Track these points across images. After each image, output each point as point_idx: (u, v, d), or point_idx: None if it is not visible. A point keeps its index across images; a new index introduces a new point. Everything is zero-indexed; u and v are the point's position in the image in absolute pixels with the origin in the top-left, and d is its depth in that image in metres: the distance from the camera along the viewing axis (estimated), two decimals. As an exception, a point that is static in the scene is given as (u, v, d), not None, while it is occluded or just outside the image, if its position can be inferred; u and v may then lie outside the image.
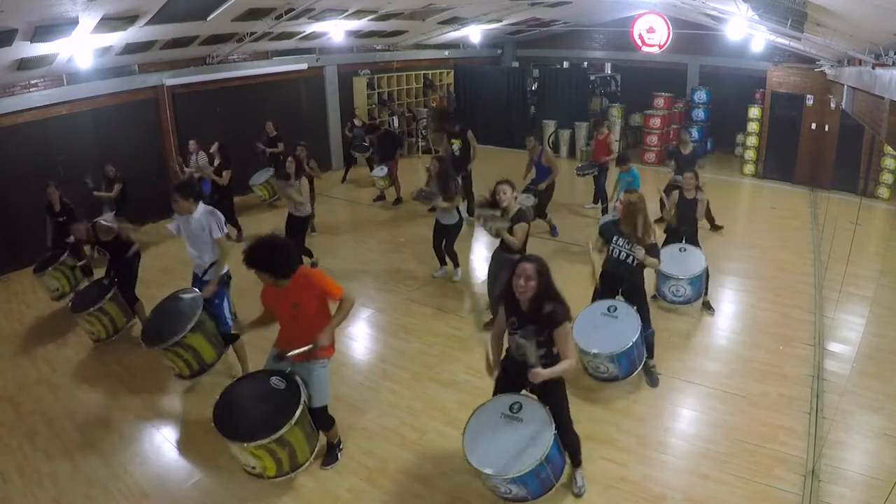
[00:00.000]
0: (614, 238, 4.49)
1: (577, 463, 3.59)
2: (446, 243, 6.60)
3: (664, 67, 13.20)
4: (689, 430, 4.27)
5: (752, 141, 11.62)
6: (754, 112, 11.54)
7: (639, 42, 9.12)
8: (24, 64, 6.43)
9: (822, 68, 9.38)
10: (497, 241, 5.27)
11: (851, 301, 6.06)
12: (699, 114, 12.81)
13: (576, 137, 13.22)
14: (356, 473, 3.86)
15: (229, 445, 3.47)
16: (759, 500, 3.56)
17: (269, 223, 8.55)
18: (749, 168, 11.65)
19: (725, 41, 11.16)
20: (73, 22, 5.61)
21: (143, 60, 8.47)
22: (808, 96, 10.64)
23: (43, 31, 5.47)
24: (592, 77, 13.66)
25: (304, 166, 7.14)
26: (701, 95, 12.75)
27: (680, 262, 5.56)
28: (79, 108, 8.07)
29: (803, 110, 10.75)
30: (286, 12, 7.72)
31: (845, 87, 5.98)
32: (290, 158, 7.04)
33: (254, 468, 3.54)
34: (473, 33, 12.59)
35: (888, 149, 9.44)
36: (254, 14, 7.62)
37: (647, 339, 4.59)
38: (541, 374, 3.07)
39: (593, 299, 4.71)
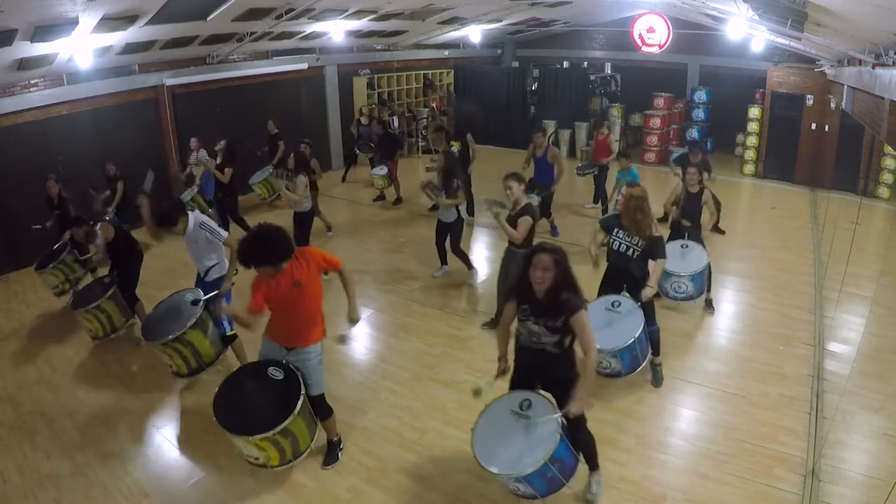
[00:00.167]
0: (614, 230, 4.50)
1: (593, 466, 3.52)
2: (451, 243, 6.54)
3: (664, 67, 13.20)
4: (689, 430, 4.27)
5: (752, 141, 11.62)
6: (754, 112, 11.55)
7: (639, 42, 9.12)
8: (24, 64, 6.43)
9: (822, 68, 9.38)
10: (506, 239, 5.28)
11: (851, 301, 6.06)
12: (699, 114, 12.81)
13: (576, 137, 13.23)
14: (356, 473, 3.86)
15: (232, 438, 3.50)
16: (759, 500, 3.56)
17: (272, 221, 8.54)
18: (749, 168, 11.65)
19: (725, 41, 11.17)
20: (73, 22, 5.61)
21: (143, 60, 8.47)
22: (808, 96, 10.64)
23: (43, 31, 5.47)
24: (592, 77, 13.66)
25: (308, 163, 7.11)
26: (701, 95, 12.75)
27: (682, 258, 5.55)
28: (79, 108, 8.07)
29: (803, 110, 10.76)
30: (286, 12, 7.72)
31: (845, 87, 5.98)
32: (292, 154, 7.06)
33: (257, 459, 3.59)
34: (473, 33, 12.59)
35: (888, 149, 9.45)
36: (254, 14, 7.62)
37: (653, 336, 4.58)
38: (578, 406, 3.04)
39: (599, 295, 4.70)
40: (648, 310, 4.50)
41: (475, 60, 15.37)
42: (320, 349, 3.68)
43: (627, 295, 4.56)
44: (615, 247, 4.51)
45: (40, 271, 6.24)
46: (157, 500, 3.69)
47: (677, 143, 12.88)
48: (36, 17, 5.21)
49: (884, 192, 10.00)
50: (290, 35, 9.62)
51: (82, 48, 6.62)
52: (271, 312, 3.58)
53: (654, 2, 9.15)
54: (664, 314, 5.76)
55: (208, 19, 7.20)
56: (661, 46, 8.97)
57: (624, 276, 4.58)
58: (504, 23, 12.39)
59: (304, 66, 11.06)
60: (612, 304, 4.46)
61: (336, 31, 9.64)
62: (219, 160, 7.88)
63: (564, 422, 3.12)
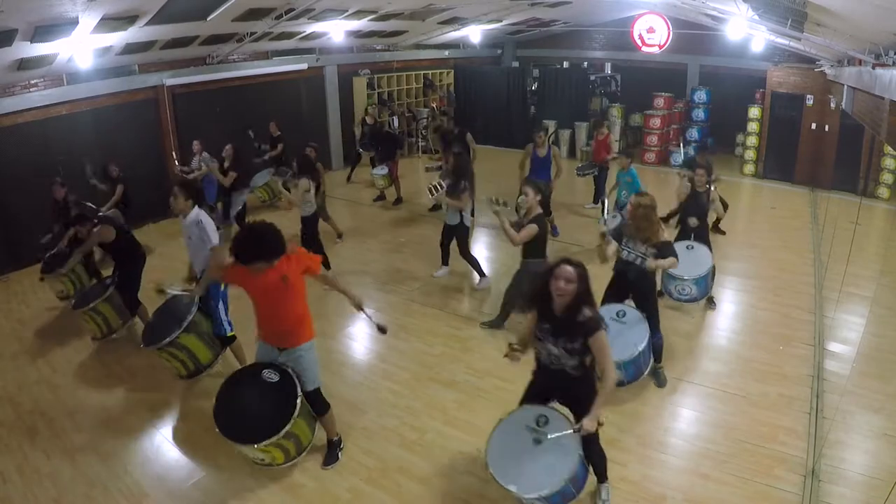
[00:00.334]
0: (624, 240, 4.46)
1: (602, 479, 3.50)
2: (460, 248, 6.48)
3: (664, 67, 13.20)
4: (689, 430, 4.27)
5: (752, 141, 11.62)
6: (754, 112, 11.54)
7: (639, 42, 9.11)
8: (24, 64, 6.43)
9: (822, 68, 9.38)
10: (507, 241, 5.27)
11: (851, 301, 6.06)
12: (699, 114, 12.80)
13: (576, 137, 13.23)
14: (356, 473, 3.86)
15: (237, 447, 3.52)
16: (759, 500, 3.56)
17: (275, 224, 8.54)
18: (749, 168, 11.65)
19: (725, 41, 11.16)
20: (73, 22, 5.60)
21: (143, 60, 8.47)
22: (808, 96, 10.64)
23: (43, 31, 5.47)
24: (592, 77, 13.66)
25: (312, 168, 6.95)
26: (701, 95, 12.74)
27: (686, 260, 5.46)
28: (79, 108, 8.07)
29: (803, 110, 10.75)
30: (286, 12, 7.72)
31: (845, 87, 5.98)
32: (297, 159, 6.89)
33: (262, 460, 3.68)
34: (473, 33, 12.59)
35: (888, 149, 9.44)
36: (254, 14, 7.62)
37: (656, 344, 4.56)
38: (591, 424, 2.98)
39: (603, 302, 4.66)
40: (653, 319, 4.47)
41: (475, 60, 15.37)
42: (311, 346, 3.71)
43: (633, 304, 4.52)
44: (623, 255, 4.46)
45: (48, 276, 6.22)
46: (157, 500, 3.69)
47: (677, 143, 12.87)
48: (36, 17, 5.21)
49: (884, 192, 10.00)
50: (290, 35, 9.62)
51: (82, 48, 6.62)
52: (260, 312, 3.62)
53: (654, 2, 9.15)
54: (665, 314, 5.73)
55: (208, 19, 7.20)
56: (661, 46, 8.96)
57: (629, 286, 4.54)
58: (504, 23, 12.39)
59: (304, 66, 11.06)
60: (618, 314, 4.42)
61: (336, 31, 9.64)
62: (226, 165, 7.86)
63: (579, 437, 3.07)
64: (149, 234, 8.00)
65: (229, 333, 4.71)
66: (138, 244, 5.66)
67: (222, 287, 4.63)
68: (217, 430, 3.52)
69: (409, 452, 4.04)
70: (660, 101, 12.53)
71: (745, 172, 11.64)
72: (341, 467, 3.91)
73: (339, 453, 3.98)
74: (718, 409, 4.46)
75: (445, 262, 6.82)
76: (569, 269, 3.01)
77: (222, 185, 7.91)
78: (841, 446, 4.04)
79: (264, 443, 3.46)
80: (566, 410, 3.25)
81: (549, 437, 3.03)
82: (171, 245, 7.84)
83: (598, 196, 8.94)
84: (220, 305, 4.66)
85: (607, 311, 4.44)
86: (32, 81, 7.44)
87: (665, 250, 4.35)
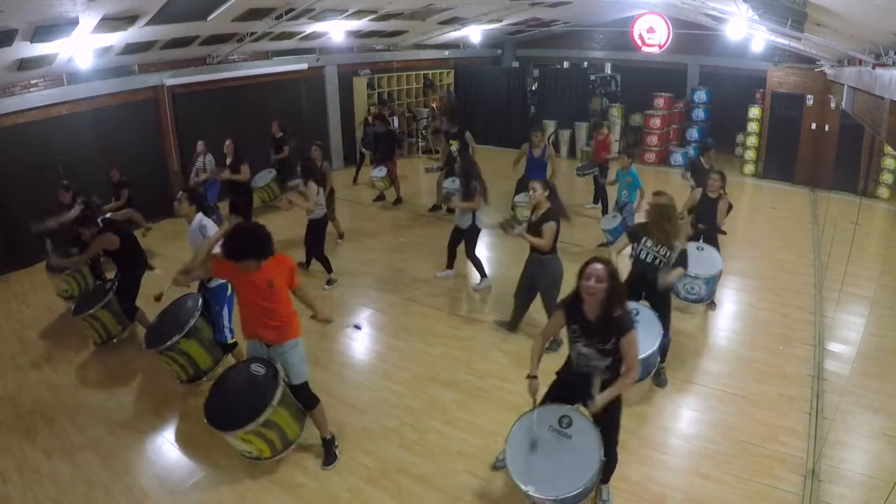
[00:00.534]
0: (643, 240, 4.36)
1: (606, 480, 3.48)
2: (465, 248, 6.44)
3: (664, 67, 13.20)
4: (690, 430, 4.27)
5: (752, 141, 11.62)
6: (754, 112, 11.55)
7: (639, 42, 9.12)
8: (24, 64, 6.43)
9: (822, 68, 9.38)
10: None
11: (851, 301, 6.06)
12: (699, 114, 12.81)
13: (576, 137, 13.23)
14: (356, 473, 3.86)
15: (222, 436, 3.57)
16: (760, 500, 3.56)
17: (274, 224, 8.53)
18: (749, 168, 11.65)
19: (725, 41, 11.16)
20: (73, 22, 5.61)
21: (143, 60, 8.47)
22: (808, 96, 10.64)
23: (43, 31, 5.47)
24: (592, 77, 13.67)
25: (317, 170, 6.78)
26: (701, 95, 12.75)
27: (698, 260, 5.41)
28: (79, 108, 8.06)
29: (803, 110, 10.76)
30: (286, 12, 7.72)
31: (845, 87, 5.98)
32: (300, 163, 6.68)
33: (250, 452, 3.70)
34: (473, 33, 12.59)
35: (888, 149, 9.45)
36: (254, 14, 7.62)
37: (662, 344, 4.53)
38: (599, 404, 2.96)
39: None
40: (665, 319, 4.43)
41: (475, 60, 15.37)
42: (296, 343, 3.75)
43: (647, 304, 4.46)
44: (642, 256, 4.37)
45: (52, 275, 6.22)
46: (157, 500, 3.69)
47: (677, 143, 12.89)
48: (36, 17, 5.21)
49: (884, 192, 10.01)
50: (290, 35, 9.62)
51: (82, 48, 6.62)
52: (247, 312, 3.70)
53: (654, 2, 9.15)
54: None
55: (208, 19, 7.20)
56: (661, 46, 8.97)
57: (645, 286, 4.47)
58: (504, 23, 12.39)
59: (304, 66, 11.06)
60: (633, 313, 4.39)
61: (336, 31, 9.64)
62: (229, 161, 7.84)
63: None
64: (149, 234, 7.98)
65: (230, 341, 4.71)
66: (140, 249, 5.62)
67: (228, 292, 4.63)
68: (205, 419, 3.60)
69: (409, 452, 4.04)
70: (660, 101, 12.53)
71: (745, 172, 11.64)
72: (341, 467, 3.91)
73: (337, 451, 3.98)
74: (718, 409, 4.46)
75: (451, 265, 6.76)
76: (599, 267, 2.96)
77: (226, 185, 7.90)
78: (841, 446, 4.04)
79: (242, 430, 3.51)
80: (587, 413, 3.19)
81: (575, 439, 2.99)
82: (172, 246, 7.85)
83: (598, 196, 8.94)
84: (224, 311, 4.65)
85: None
86: (32, 81, 7.43)
87: (680, 259, 4.29)
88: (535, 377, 3.27)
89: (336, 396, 4.67)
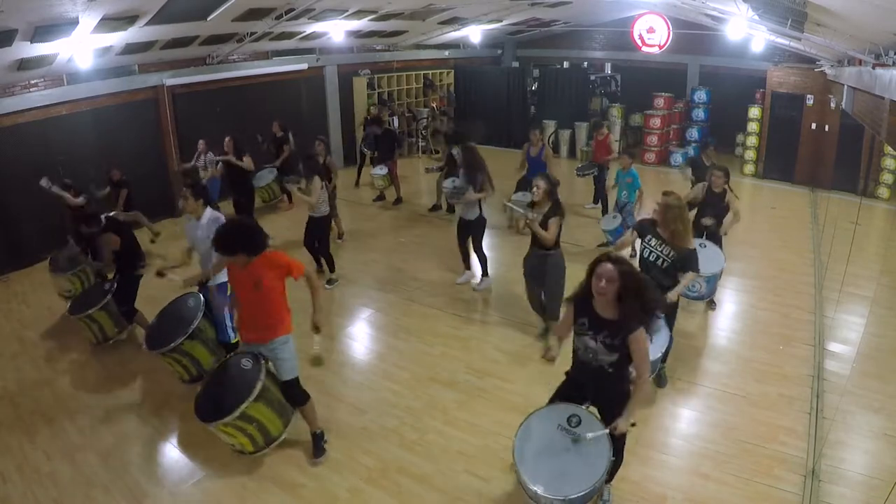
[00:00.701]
0: (647, 238, 4.31)
1: (608, 480, 3.46)
2: (473, 243, 6.38)
3: (664, 67, 13.20)
4: (690, 430, 4.27)
5: (752, 141, 11.62)
6: (754, 112, 11.54)
7: (639, 42, 9.11)
8: (24, 64, 6.43)
9: (822, 68, 9.38)
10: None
11: (851, 301, 6.06)
12: (699, 114, 12.81)
13: (576, 137, 13.23)
14: (356, 473, 3.86)
15: (205, 427, 3.63)
16: (760, 500, 3.56)
17: (274, 225, 8.55)
18: (749, 168, 11.65)
19: (725, 41, 11.16)
20: (73, 22, 5.61)
21: (143, 60, 8.47)
22: (808, 96, 10.64)
23: (43, 31, 5.47)
24: (592, 77, 13.67)
25: (319, 167, 6.72)
26: (701, 95, 12.75)
27: (700, 258, 5.45)
28: (79, 108, 8.06)
29: (803, 110, 10.76)
30: (286, 12, 7.72)
31: (845, 87, 5.98)
32: (302, 161, 6.62)
33: (233, 445, 3.77)
34: (473, 33, 12.59)
35: (888, 149, 9.45)
36: (254, 14, 7.62)
37: (667, 347, 4.55)
38: (625, 426, 2.95)
39: None
40: (670, 318, 4.41)
41: (475, 60, 15.37)
42: (286, 339, 3.76)
43: None
44: (645, 254, 4.33)
45: (57, 275, 6.21)
46: (157, 500, 3.69)
47: (677, 143, 12.89)
48: (36, 17, 5.21)
49: (884, 192, 10.00)
50: (290, 35, 9.62)
51: (82, 48, 6.62)
52: (241, 311, 3.78)
53: (654, 2, 9.15)
54: (665, 314, 5.77)
55: (208, 19, 7.20)
56: (661, 46, 8.96)
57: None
58: (504, 23, 12.39)
59: (304, 66, 11.06)
60: None
61: (336, 31, 9.64)
62: (232, 157, 7.84)
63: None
64: (148, 234, 7.99)
65: (233, 340, 4.70)
66: (140, 250, 5.61)
67: (229, 291, 4.62)
68: (194, 411, 3.67)
69: (409, 452, 4.04)
70: (660, 101, 12.53)
71: (745, 172, 11.64)
72: (341, 467, 3.91)
73: (325, 445, 4.00)
74: (718, 409, 4.46)
75: (468, 265, 6.65)
76: (609, 267, 2.92)
77: (228, 184, 7.89)
78: (841, 446, 4.04)
79: (221, 422, 3.55)
80: (596, 413, 3.19)
81: (587, 436, 2.96)
82: (173, 246, 7.84)
83: (598, 196, 8.94)
84: (227, 312, 4.63)
85: None
86: (32, 81, 7.43)
87: (688, 259, 4.21)
88: (556, 347, 3.40)
89: (336, 396, 4.67)
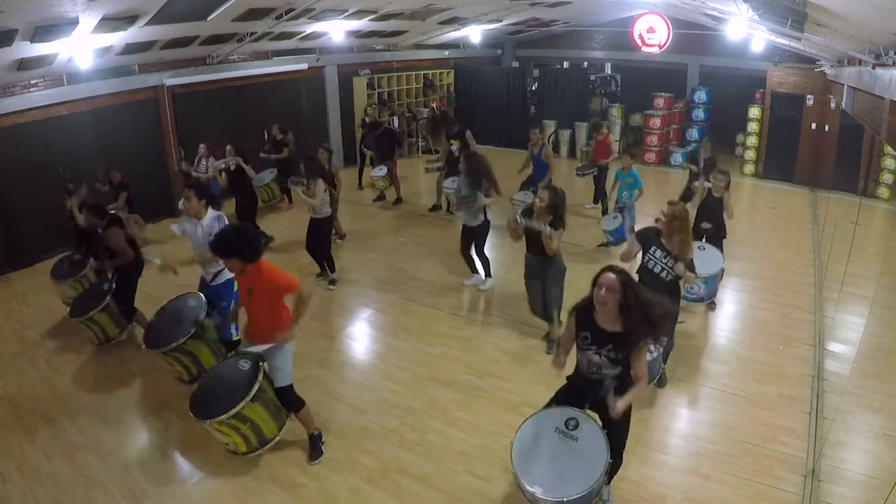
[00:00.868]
0: (652, 249, 4.24)
1: (608, 480, 3.45)
2: (476, 247, 6.37)
3: (664, 67, 13.20)
4: (689, 430, 4.27)
5: (752, 141, 11.62)
6: (754, 112, 11.54)
7: (639, 42, 9.11)
8: (24, 64, 6.43)
9: (822, 68, 9.38)
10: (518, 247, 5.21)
11: (851, 301, 6.06)
12: (699, 114, 12.81)
13: (576, 137, 13.23)
14: (356, 473, 3.86)
15: (201, 424, 3.66)
16: (760, 500, 3.56)
17: (274, 224, 8.55)
18: (749, 168, 11.65)
19: (725, 41, 11.16)
20: (73, 22, 5.61)
21: (143, 60, 8.47)
22: (808, 96, 10.64)
23: (43, 31, 5.47)
24: (592, 77, 13.67)
25: (322, 170, 6.61)
26: (701, 95, 12.75)
27: (698, 259, 5.43)
28: (79, 108, 8.06)
29: (803, 110, 10.76)
30: (286, 12, 7.72)
31: (845, 87, 5.97)
32: (303, 162, 6.54)
33: (227, 444, 3.79)
34: (473, 33, 12.59)
35: (888, 149, 9.45)
36: (254, 14, 7.62)
37: (666, 349, 4.54)
38: (623, 406, 2.93)
39: None
40: (672, 326, 4.40)
41: (475, 60, 15.36)
42: (282, 346, 3.75)
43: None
44: (650, 266, 4.25)
45: (59, 282, 6.20)
46: (157, 500, 3.69)
47: (677, 143, 12.89)
48: (36, 17, 5.21)
49: (884, 192, 10.00)
50: (290, 35, 9.62)
51: (82, 48, 6.62)
52: (246, 311, 3.85)
53: (654, 2, 9.15)
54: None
55: (208, 19, 7.20)
56: (661, 46, 8.96)
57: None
58: (504, 23, 12.39)
59: (304, 66, 11.06)
60: None
61: (336, 31, 9.64)
62: (233, 166, 7.84)
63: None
64: (149, 234, 7.98)
65: (235, 338, 4.69)
66: (138, 250, 5.62)
67: (235, 287, 4.63)
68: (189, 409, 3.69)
69: (409, 452, 4.04)
70: (660, 101, 12.53)
71: (745, 172, 11.64)
72: (341, 467, 3.91)
73: (322, 447, 4.00)
74: (718, 409, 4.46)
75: (474, 268, 6.60)
76: (611, 277, 2.89)
77: (229, 186, 7.90)
78: (841, 446, 4.04)
79: (214, 420, 3.57)
80: (595, 416, 3.19)
81: (582, 441, 2.96)
82: (173, 246, 7.83)
83: (598, 196, 8.94)
84: (231, 307, 4.63)
85: None
86: (32, 81, 7.43)
87: (689, 268, 4.23)
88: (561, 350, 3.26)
89: (336, 396, 4.67)
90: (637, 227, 5.63)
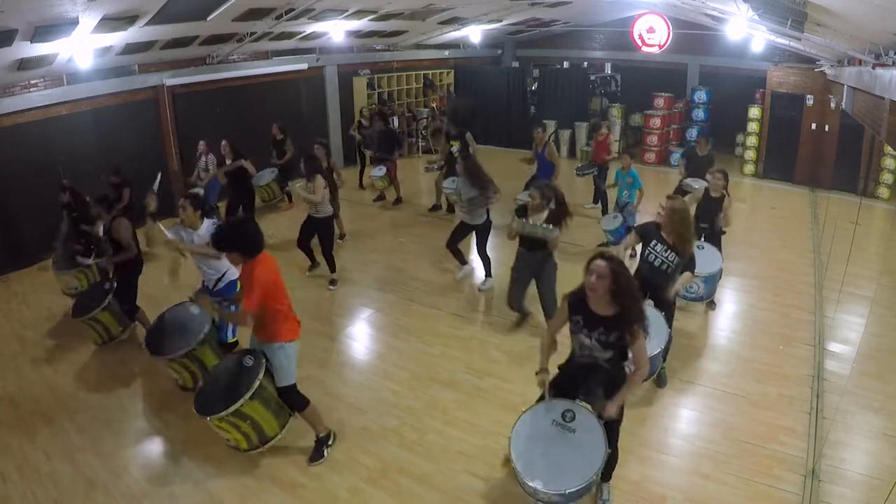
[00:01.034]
0: (652, 242, 4.27)
1: (607, 478, 3.48)
2: (478, 246, 6.40)
3: (664, 67, 13.20)
4: (689, 430, 4.27)
5: (752, 141, 11.62)
6: (754, 112, 11.54)
7: (639, 42, 9.11)
8: (24, 64, 6.43)
9: (822, 68, 9.38)
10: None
11: (851, 301, 6.06)
12: (699, 114, 12.81)
13: (576, 137, 13.23)
14: (356, 473, 3.86)
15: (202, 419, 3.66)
16: (760, 500, 3.56)
17: (274, 224, 8.55)
18: (749, 168, 11.65)
19: (725, 41, 11.16)
20: (73, 22, 5.61)
21: (143, 60, 8.47)
22: (808, 96, 10.64)
23: (43, 31, 5.47)
24: (592, 77, 13.67)
25: (320, 166, 6.59)
26: (701, 95, 12.75)
27: (697, 259, 5.44)
28: (79, 108, 8.06)
29: (803, 110, 10.76)
30: (286, 12, 7.72)
31: (845, 87, 5.97)
32: (303, 161, 6.49)
33: (228, 441, 3.79)
34: (473, 33, 12.59)
35: (888, 149, 9.45)
36: (254, 14, 7.62)
37: (664, 348, 4.53)
38: (613, 409, 2.97)
39: None
40: (668, 319, 4.39)
41: (475, 60, 15.37)
42: (282, 346, 3.74)
43: (651, 303, 4.32)
44: (650, 259, 4.26)
45: (62, 272, 6.18)
46: (156, 500, 3.69)
47: (677, 143, 12.89)
48: (36, 17, 5.21)
49: (884, 192, 10.00)
50: (290, 35, 9.62)
51: (82, 48, 6.62)
52: None
53: (654, 2, 9.15)
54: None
55: (208, 19, 7.20)
56: (661, 46, 8.96)
57: (650, 288, 4.33)
58: (504, 23, 12.39)
59: (304, 66, 11.06)
60: None
61: (336, 31, 9.64)
62: (229, 161, 7.84)
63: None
64: (149, 234, 7.97)
65: (230, 340, 4.69)
66: (139, 246, 5.62)
67: (238, 288, 4.64)
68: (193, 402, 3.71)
69: (409, 452, 4.04)
70: (660, 101, 12.53)
71: (745, 172, 11.64)
72: (341, 467, 3.91)
73: (326, 451, 3.97)
74: (718, 409, 4.46)
75: (463, 260, 6.73)
76: (601, 264, 2.94)
77: (229, 183, 7.90)
78: (841, 446, 4.04)
79: (215, 416, 3.57)
80: (590, 407, 3.22)
81: (579, 432, 2.96)
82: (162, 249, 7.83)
83: (598, 196, 8.94)
84: (233, 308, 4.63)
85: None
86: (32, 81, 7.43)
87: (689, 263, 4.26)
88: (546, 371, 3.28)
89: (336, 396, 4.67)
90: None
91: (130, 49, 7.54)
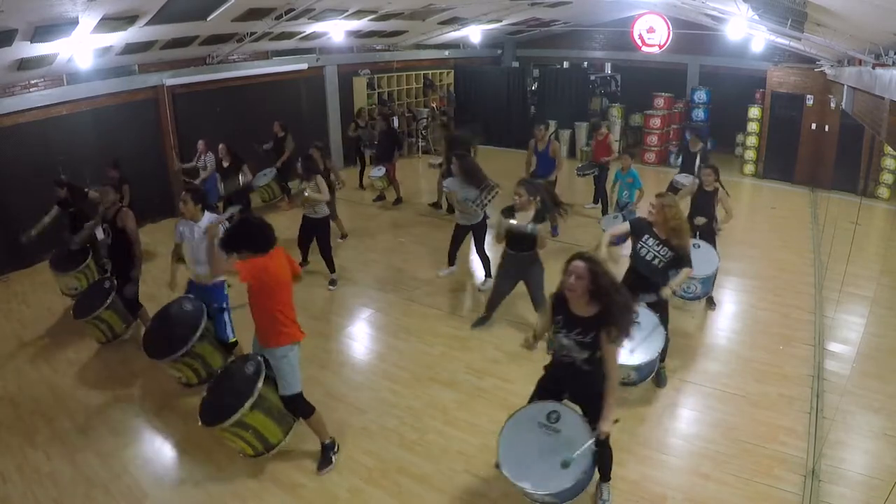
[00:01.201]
0: (644, 237, 4.27)
1: (606, 478, 3.48)
2: (476, 245, 6.42)
3: (664, 67, 13.20)
4: (689, 430, 4.27)
5: (752, 141, 11.63)
6: (754, 112, 11.55)
7: (639, 42, 9.12)
8: (24, 64, 6.43)
9: (822, 68, 9.38)
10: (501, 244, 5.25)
11: (851, 301, 6.06)
12: (699, 114, 12.81)
13: (576, 137, 13.23)
14: (356, 473, 3.86)
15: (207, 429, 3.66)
16: (760, 500, 3.56)
17: (274, 224, 8.52)
18: (749, 168, 11.65)
19: (725, 41, 11.16)
20: (73, 22, 5.61)
21: (143, 60, 8.47)
22: (808, 96, 10.65)
23: (43, 31, 5.47)
24: (592, 77, 13.67)
25: (317, 167, 6.57)
26: (701, 95, 12.76)
27: (694, 259, 5.40)
28: (79, 108, 8.06)
29: (803, 110, 10.76)
30: (286, 12, 7.72)
31: (845, 87, 5.98)
32: (301, 162, 6.48)
33: (236, 448, 3.79)
34: (473, 33, 12.59)
35: (888, 149, 9.45)
36: (254, 14, 7.62)
37: (662, 348, 4.52)
38: (607, 426, 2.98)
39: None
40: (664, 318, 4.40)
41: (475, 60, 15.37)
42: (287, 351, 3.68)
43: (646, 304, 4.33)
44: (642, 253, 4.26)
45: (61, 273, 6.19)
46: (157, 500, 3.69)
47: (677, 143, 12.89)
48: (36, 17, 5.21)
49: (884, 192, 10.01)
50: (290, 35, 9.62)
51: (82, 48, 6.62)
52: None
53: (654, 2, 9.15)
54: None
55: (208, 19, 7.20)
56: (661, 46, 8.97)
57: (644, 284, 4.34)
58: (504, 23, 12.39)
59: (304, 66, 11.05)
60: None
61: (336, 31, 9.64)
62: (226, 164, 7.84)
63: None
64: (149, 234, 7.98)
65: (231, 340, 4.67)
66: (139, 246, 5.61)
67: (226, 290, 4.65)
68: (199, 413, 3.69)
69: (409, 452, 4.04)
70: (660, 101, 12.54)
71: (745, 172, 11.64)
72: (341, 467, 3.91)
73: (333, 457, 3.93)
74: (718, 409, 4.46)
75: (452, 262, 6.78)
76: (579, 265, 2.95)
77: (238, 191, 7.90)
78: (841, 446, 4.04)
79: (217, 427, 3.56)
80: (577, 407, 3.23)
81: (575, 456, 2.94)
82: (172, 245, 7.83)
83: (598, 196, 8.95)
84: (226, 309, 4.63)
85: None
86: (32, 81, 7.43)
87: (684, 257, 4.24)
88: (535, 338, 3.50)
89: (336, 396, 4.67)
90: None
91: (130, 49, 7.54)
